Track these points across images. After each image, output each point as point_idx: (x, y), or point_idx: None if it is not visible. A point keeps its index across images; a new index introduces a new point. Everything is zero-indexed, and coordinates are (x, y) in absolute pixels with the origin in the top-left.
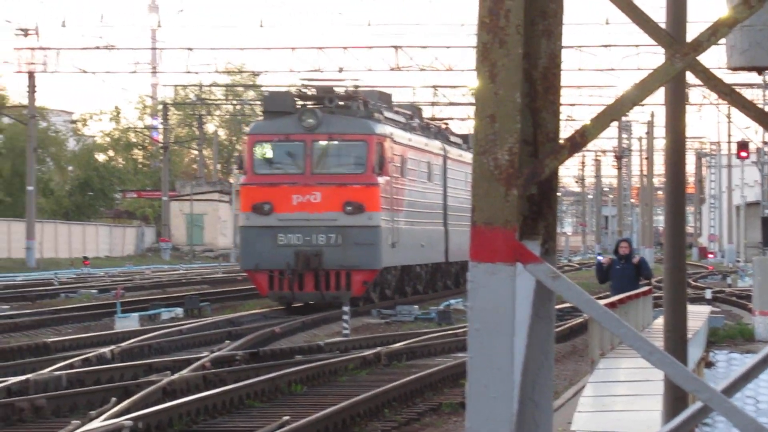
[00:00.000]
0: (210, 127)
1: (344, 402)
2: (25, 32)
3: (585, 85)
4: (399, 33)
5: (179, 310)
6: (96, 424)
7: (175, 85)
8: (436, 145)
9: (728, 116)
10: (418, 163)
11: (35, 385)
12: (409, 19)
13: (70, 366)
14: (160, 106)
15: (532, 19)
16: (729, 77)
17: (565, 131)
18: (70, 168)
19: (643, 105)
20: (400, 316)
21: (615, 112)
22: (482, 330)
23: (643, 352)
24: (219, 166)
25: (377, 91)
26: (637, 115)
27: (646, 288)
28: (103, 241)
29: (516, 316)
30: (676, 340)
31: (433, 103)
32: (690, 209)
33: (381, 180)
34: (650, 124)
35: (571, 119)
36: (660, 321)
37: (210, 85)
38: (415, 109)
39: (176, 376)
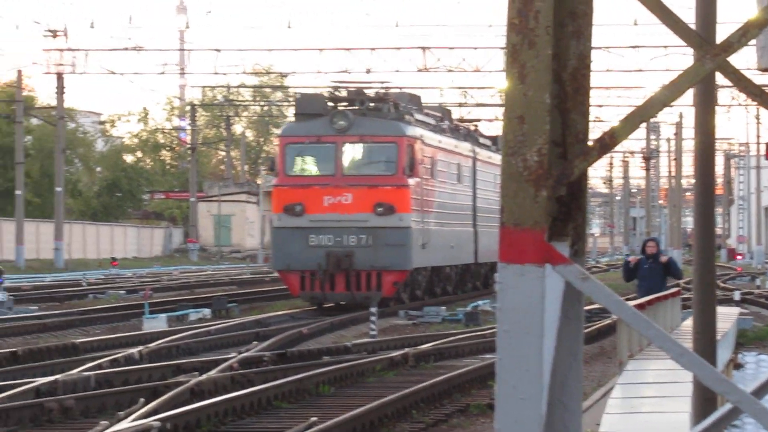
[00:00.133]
0: (238, 128)
1: (372, 403)
2: (54, 33)
3: (613, 86)
4: (426, 34)
5: (207, 311)
6: (124, 424)
7: (203, 87)
8: (465, 146)
9: (757, 117)
10: (448, 164)
11: (64, 386)
12: (436, 20)
13: (99, 367)
14: (188, 107)
15: (561, 21)
16: (759, 78)
17: (593, 132)
18: (98, 169)
19: (671, 106)
20: (428, 318)
21: (644, 113)
22: (511, 331)
23: (672, 353)
24: (246, 167)
25: (407, 93)
26: (665, 116)
27: (674, 289)
28: (131, 242)
29: (545, 317)
30: (706, 341)
31: (461, 104)
32: (718, 211)
33: (411, 181)
34: (679, 125)
35: (599, 120)
36: (688, 323)
37: (238, 86)
38: (444, 111)
39: (204, 376)
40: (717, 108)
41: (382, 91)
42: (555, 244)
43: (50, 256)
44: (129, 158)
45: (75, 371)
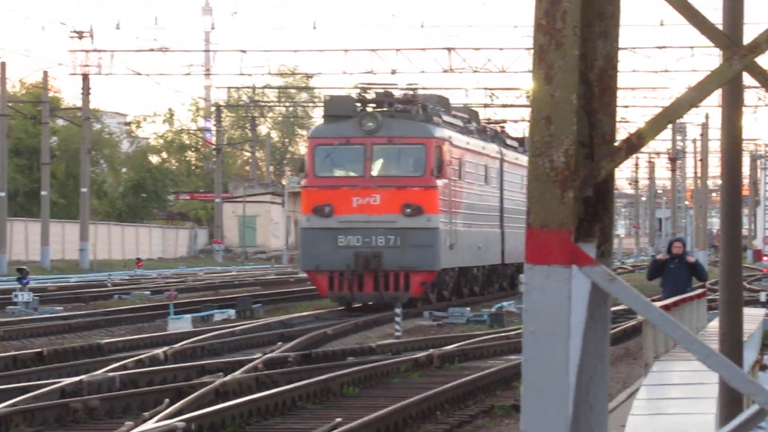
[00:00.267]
0: (263, 129)
1: (396, 404)
2: (80, 35)
3: (639, 86)
4: (452, 35)
5: (232, 312)
6: (149, 425)
7: (229, 87)
8: (493, 148)
9: None
10: (476, 166)
11: (89, 386)
12: (462, 20)
13: (124, 367)
14: (214, 108)
15: (588, 21)
16: None
17: (619, 133)
18: (123, 170)
19: (697, 106)
20: (452, 319)
21: (672, 114)
22: (537, 332)
23: (699, 354)
24: (271, 168)
25: (435, 94)
26: (691, 117)
27: (700, 290)
28: (156, 242)
29: (571, 318)
30: (732, 343)
31: (486, 105)
32: (745, 212)
33: (439, 183)
34: (705, 126)
35: (624, 121)
36: (714, 324)
37: (263, 87)
38: (472, 113)
39: (229, 377)
40: (744, 109)
41: (411, 92)
42: (581, 245)
43: (75, 257)
44: (154, 159)
45: (100, 372)
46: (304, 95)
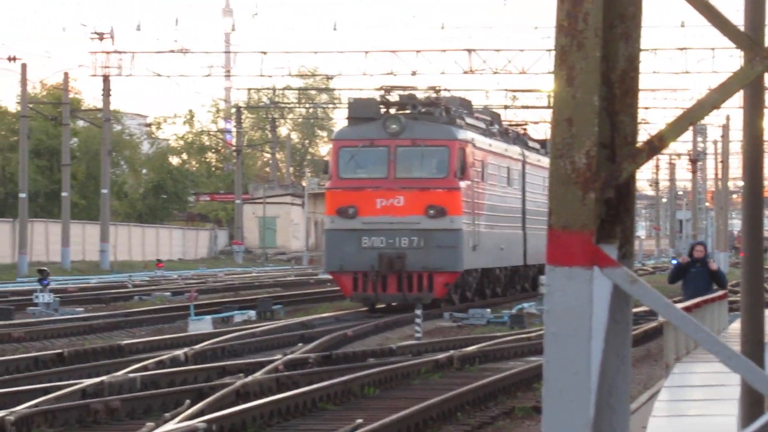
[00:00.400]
0: (283, 131)
1: (417, 405)
2: (101, 36)
3: (660, 88)
4: (472, 36)
5: (252, 313)
6: (170, 426)
7: (249, 89)
8: (515, 150)
9: None
10: (498, 167)
11: (110, 387)
12: (482, 22)
13: (144, 368)
14: (234, 110)
15: (610, 22)
16: None
17: (640, 135)
18: (144, 171)
19: (719, 108)
20: (473, 320)
21: (693, 115)
22: (559, 334)
23: (721, 356)
24: (292, 169)
25: (458, 97)
26: (712, 118)
27: (721, 292)
28: (177, 243)
29: (593, 320)
30: (754, 344)
31: (506, 107)
32: (766, 213)
33: (463, 184)
34: (726, 127)
35: (645, 122)
36: (735, 326)
37: (283, 89)
38: (494, 115)
39: (249, 378)
40: (765, 110)
41: (434, 95)
42: (603, 246)
43: (96, 258)
44: (174, 160)
45: (121, 373)
46: (324, 96)
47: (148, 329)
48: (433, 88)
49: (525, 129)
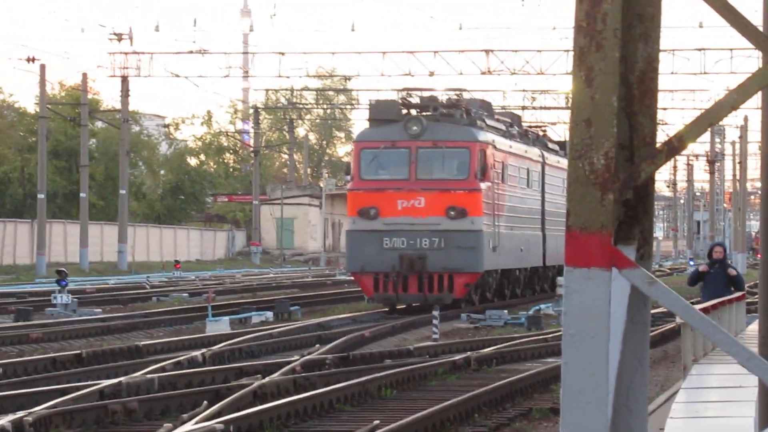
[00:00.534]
0: (301, 131)
1: (434, 406)
2: (119, 37)
3: (678, 89)
4: (490, 36)
5: (269, 314)
6: (188, 427)
7: (267, 90)
8: (534, 152)
9: None
10: (518, 169)
11: (127, 388)
12: (500, 22)
13: (162, 369)
14: (252, 111)
15: (629, 23)
16: None
17: (658, 136)
18: (162, 172)
19: (737, 109)
20: (490, 321)
21: (712, 116)
22: (577, 335)
23: (739, 357)
24: (309, 170)
25: (479, 99)
26: (730, 119)
27: (739, 294)
28: (194, 244)
29: (611, 321)
30: None
31: (524, 107)
32: None
33: (483, 186)
34: (744, 128)
35: (663, 123)
36: (753, 327)
37: (301, 90)
38: (514, 117)
39: (267, 379)
40: None
41: (455, 97)
42: (621, 247)
43: (114, 259)
44: (192, 161)
45: (139, 373)
46: (342, 97)
47: (166, 330)
48: (454, 90)
49: (545, 130)
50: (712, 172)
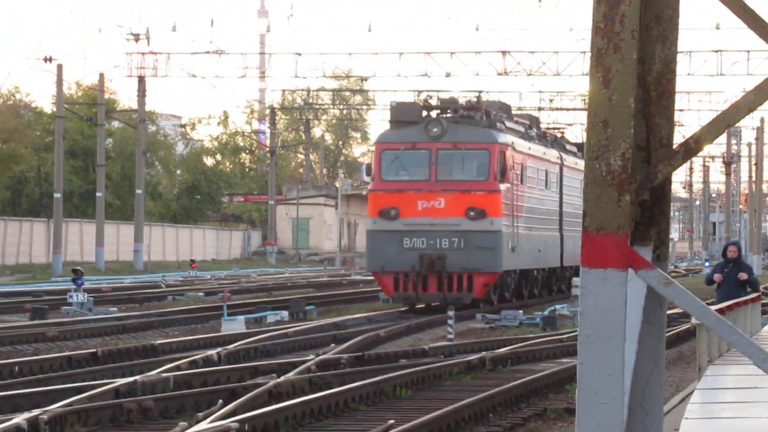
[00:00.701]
0: (317, 132)
1: (449, 406)
2: (136, 37)
3: (695, 90)
4: (507, 37)
5: (285, 313)
6: (203, 425)
7: (283, 90)
8: (553, 153)
9: None
10: (537, 170)
11: (143, 387)
12: (516, 23)
13: (178, 368)
14: (268, 111)
15: (647, 24)
16: None
17: (675, 137)
18: (178, 171)
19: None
20: (505, 321)
21: (730, 118)
22: (593, 336)
23: (755, 358)
24: (325, 171)
25: (498, 101)
26: (746, 121)
27: (754, 295)
28: (210, 244)
29: (627, 322)
30: None
31: (540, 108)
32: None
33: (502, 187)
34: (760, 130)
35: (679, 125)
36: None
37: (317, 90)
38: (533, 119)
39: (282, 378)
40: None
41: (474, 99)
42: (637, 248)
43: (130, 258)
44: (209, 161)
45: (154, 372)
46: (358, 98)
47: (182, 329)
48: (474, 92)
49: (563, 132)
50: (728, 174)
